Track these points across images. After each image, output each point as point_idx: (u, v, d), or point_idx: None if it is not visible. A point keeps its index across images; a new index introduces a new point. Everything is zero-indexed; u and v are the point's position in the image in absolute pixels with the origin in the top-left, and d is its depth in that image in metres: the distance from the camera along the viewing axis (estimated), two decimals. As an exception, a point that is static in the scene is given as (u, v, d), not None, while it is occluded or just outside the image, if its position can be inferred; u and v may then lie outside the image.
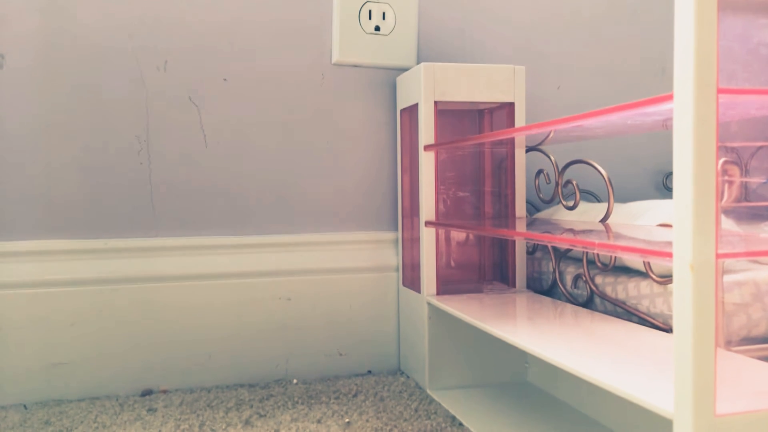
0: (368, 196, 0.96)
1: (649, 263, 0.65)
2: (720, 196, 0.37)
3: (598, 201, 0.99)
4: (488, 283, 0.92)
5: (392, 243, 0.96)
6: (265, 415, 0.77)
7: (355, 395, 0.84)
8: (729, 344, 0.59)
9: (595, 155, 1.04)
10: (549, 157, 0.83)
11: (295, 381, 0.90)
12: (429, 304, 0.84)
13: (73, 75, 0.84)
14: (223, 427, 0.73)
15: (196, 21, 0.88)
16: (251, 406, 0.80)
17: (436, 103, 0.85)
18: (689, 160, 0.37)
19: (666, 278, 0.64)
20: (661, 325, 0.65)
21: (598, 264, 0.75)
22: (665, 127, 0.59)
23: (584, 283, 0.77)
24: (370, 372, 0.95)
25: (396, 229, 0.97)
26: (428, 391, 0.84)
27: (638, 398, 0.44)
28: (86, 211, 0.85)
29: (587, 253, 0.76)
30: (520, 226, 0.76)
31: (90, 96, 0.85)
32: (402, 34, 0.95)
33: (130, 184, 0.86)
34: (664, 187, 1.09)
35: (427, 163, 0.85)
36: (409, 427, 0.72)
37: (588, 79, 1.07)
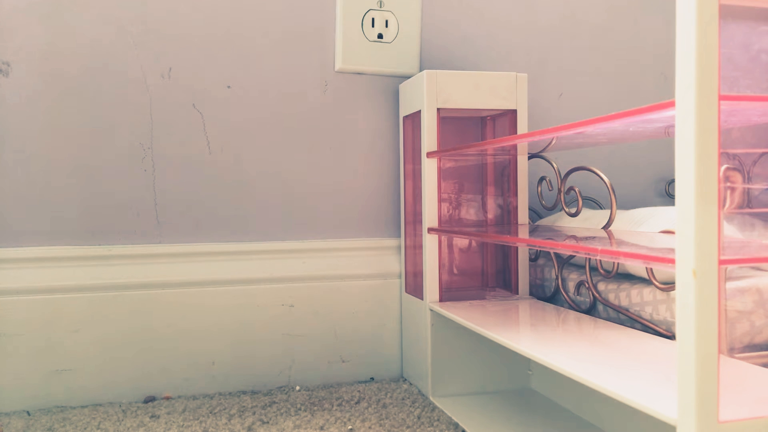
0: (371, 202, 0.96)
1: (651, 270, 0.65)
2: (722, 202, 0.38)
3: (601, 208, 0.99)
4: (491, 289, 0.92)
5: (395, 250, 0.96)
6: (268, 422, 0.77)
7: (357, 402, 0.84)
8: (732, 351, 0.59)
9: (598, 162, 1.04)
10: (551, 164, 0.83)
11: (297, 388, 0.90)
12: (432, 310, 0.84)
13: (78, 82, 0.85)
14: (226, 433, 0.73)
15: (200, 29, 0.89)
16: (254, 413, 0.80)
17: (438, 110, 0.85)
18: (691, 166, 0.37)
19: (669, 285, 0.64)
20: (664, 331, 0.65)
21: (601, 271, 0.75)
22: (667, 134, 0.59)
23: (587, 290, 0.77)
24: (372, 379, 0.95)
25: (399, 236, 0.97)
26: (431, 398, 0.84)
27: (641, 405, 0.44)
28: (90, 217, 0.85)
29: (590, 259, 0.76)
30: (523, 233, 0.76)
31: (94, 103, 0.85)
32: (405, 42, 0.96)
33: (133, 191, 0.87)
34: (666, 194, 1.09)
35: (429, 170, 0.85)
36: (412, 434, 0.72)
37: (590, 86, 1.07)
